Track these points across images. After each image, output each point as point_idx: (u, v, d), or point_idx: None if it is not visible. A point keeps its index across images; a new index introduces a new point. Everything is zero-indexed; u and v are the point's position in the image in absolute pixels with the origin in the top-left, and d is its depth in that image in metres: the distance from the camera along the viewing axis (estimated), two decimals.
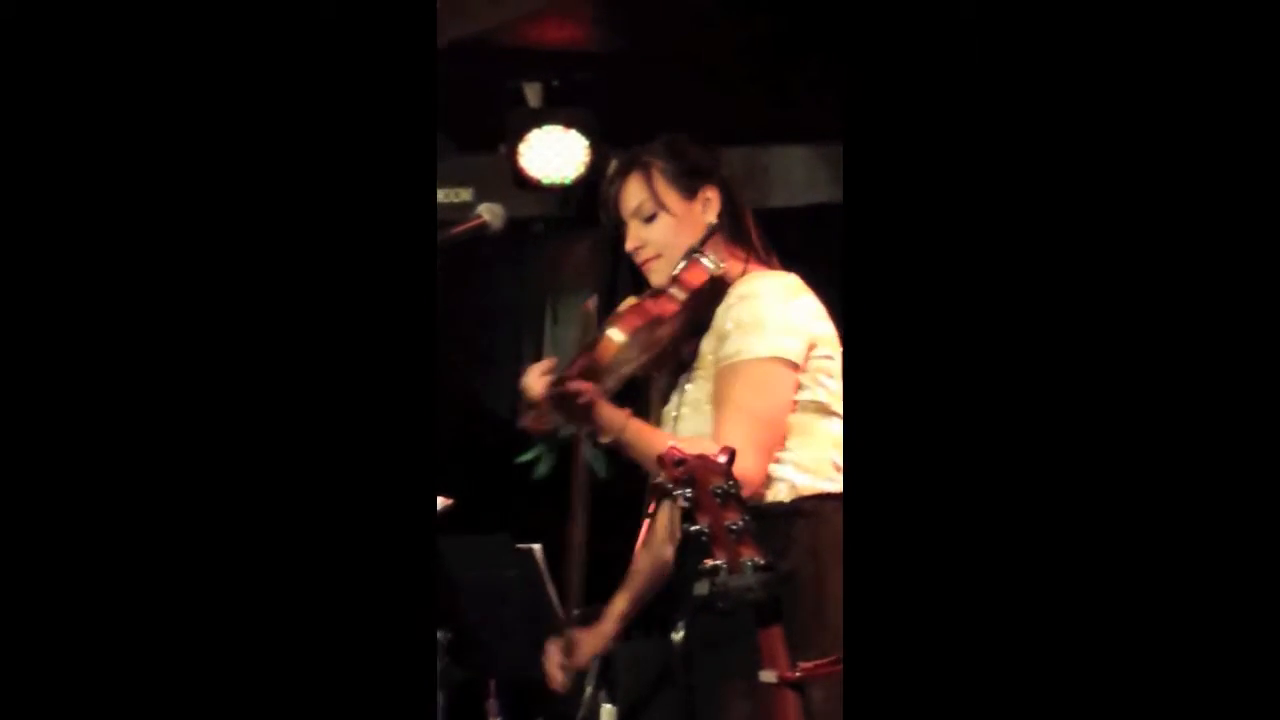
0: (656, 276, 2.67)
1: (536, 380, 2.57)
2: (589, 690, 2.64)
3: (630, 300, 2.67)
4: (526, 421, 2.60)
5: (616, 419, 2.57)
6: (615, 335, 2.60)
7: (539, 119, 4.96)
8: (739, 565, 2.05)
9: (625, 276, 2.78)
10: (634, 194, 2.68)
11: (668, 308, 2.61)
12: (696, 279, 2.61)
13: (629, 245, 2.70)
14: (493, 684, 3.27)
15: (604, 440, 2.58)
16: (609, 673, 2.64)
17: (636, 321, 2.61)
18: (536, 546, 3.13)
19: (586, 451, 2.67)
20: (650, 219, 2.66)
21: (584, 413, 2.56)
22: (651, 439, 2.53)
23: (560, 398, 2.55)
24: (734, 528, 2.06)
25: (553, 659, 2.74)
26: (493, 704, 3.25)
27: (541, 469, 2.64)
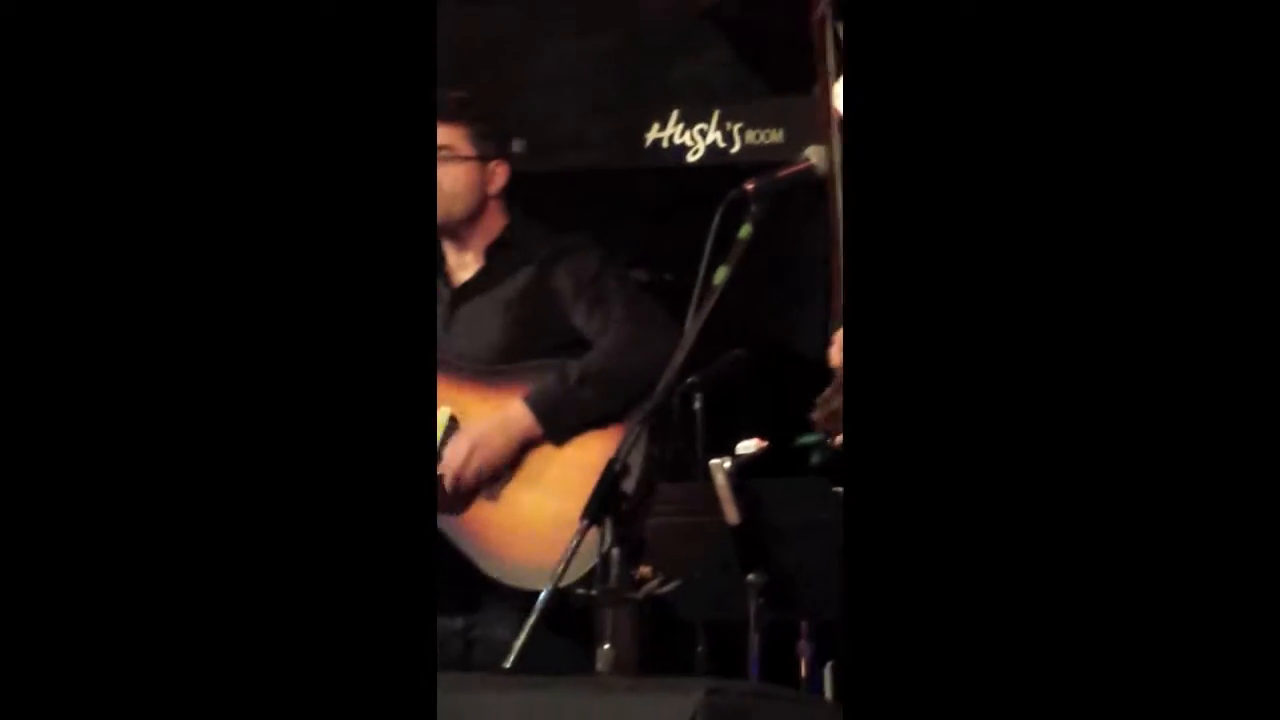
0: None
1: (838, 353, 2.52)
2: None
3: None
4: (817, 416, 2.52)
5: None
6: None
7: None
8: None
9: None
10: None
11: None
12: None
13: None
14: (805, 626, 3.29)
15: None
16: None
17: None
18: None
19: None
20: None
21: None
22: None
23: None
24: None
25: None
26: (804, 645, 3.27)
27: (817, 458, 2.56)
